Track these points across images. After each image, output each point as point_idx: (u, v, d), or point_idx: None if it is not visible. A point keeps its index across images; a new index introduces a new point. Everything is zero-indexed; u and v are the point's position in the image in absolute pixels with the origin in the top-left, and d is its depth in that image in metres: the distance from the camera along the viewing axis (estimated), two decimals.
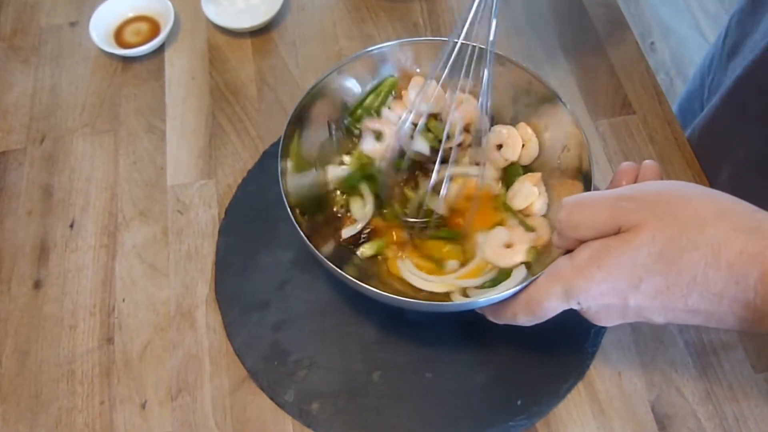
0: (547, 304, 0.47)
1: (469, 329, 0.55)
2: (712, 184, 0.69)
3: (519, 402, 0.57)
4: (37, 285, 0.63)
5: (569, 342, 0.59)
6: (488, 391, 0.57)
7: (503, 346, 0.59)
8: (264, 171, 0.68)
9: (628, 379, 0.59)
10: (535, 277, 0.48)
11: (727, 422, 0.57)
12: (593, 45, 0.80)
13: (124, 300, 0.62)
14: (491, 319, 0.52)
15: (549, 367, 0.58)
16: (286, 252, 0.64)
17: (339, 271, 0.52)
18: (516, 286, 0.49)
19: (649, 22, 1.95)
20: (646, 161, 0.51)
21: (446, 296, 0.55)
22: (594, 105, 0.75)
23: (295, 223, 0.54)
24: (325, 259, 0.52)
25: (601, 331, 0.60)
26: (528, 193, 0.58)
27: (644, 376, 0.59)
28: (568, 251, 0.47)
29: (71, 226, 0.66)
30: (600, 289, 0.44)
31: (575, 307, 0.46)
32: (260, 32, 0.79)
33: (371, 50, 0.62)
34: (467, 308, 0.53)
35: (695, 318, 0.44)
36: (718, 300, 0.42)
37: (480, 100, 0.57)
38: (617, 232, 0.44)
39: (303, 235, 0.53)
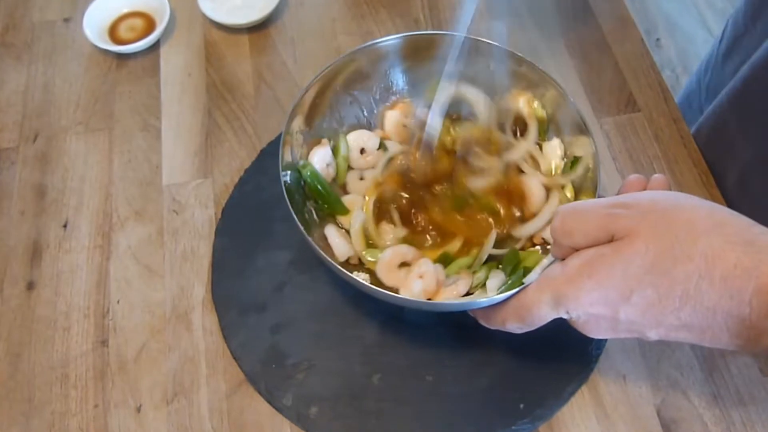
0: (536, 311, 0.47)
1: (471, 331, 0.55)
2: (719, 186, 0.69)
3: (522, 405, 0.57)
4: (30, 286, 0.63)
5: (573, 344, 0.59)
6: (490, 394, 0.57)
7: (506, 348, 0.59)
8: (261, 170, 0.68)
9: (633, 383, 0.59)
10: (526, 284, 0.48)
11: (734, 426, 0.57)
12: (597, 42, 0.80)
13: (118, 302, 0.62)
14: (482, 323, 0.53)
15: (552, 370, 0.58)
16: (284, 253, 0.64)
17: (341, 269, 0.52)
18: (512, 289, 0.49)
19: (654, 18, 1.96)
20: (655, 175, 0.51)
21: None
22: (598, 103, 0.75)
23: (297, 221, 0.54)
24: (327, 258, 0.52)
25: None
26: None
27: (649, 380, 0.59)
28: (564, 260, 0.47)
29: (65, 226, 0.66)
30: (590, 299, 0.44)
31: (564, 316, 0.46)
32: (257, 28, 0.80)
33: (371, 45, 0.63)
34: (462, 309, 0.53)
35: (689, 334, 0.43)
36: (711, 315, 0.41)
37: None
38: (611, 239, 0.44)
39: (304, 233, 0.53)
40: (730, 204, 0.68)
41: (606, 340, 0.60)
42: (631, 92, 0.76)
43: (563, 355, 0.59)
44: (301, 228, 0.54)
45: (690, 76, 0.91)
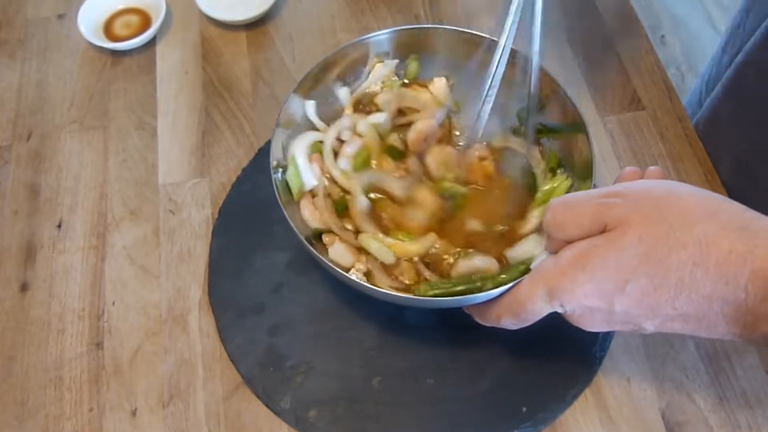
0: (531, 305, 0.47)
1: (472, 333, 0.56)
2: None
3: (524, 409, 0.57)
4: (24, 287, 0.63)
5: (576, 346, 0.59)
6: (492, 397, 0.57)
7: (507, 350, 0.59)
8: (259, 169, 0.68)
9: (638, 385, 0.59)
10: (520, 279, 0.48)
11: (740, 430, 0.57)
12: (601, 38, 0.80)
13: (113, 303, 0.62)
14: (477, 320, 0.53)
15: (555, 373, 0.58)
16: (282, 253, 0.64)
17: (339, 270, 0.52)
18: (502, 285, 0.49)
19: (659, 15, 1.95)
20: (651, 168, 0.51)
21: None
22: (602, 101, 0.75)
23: (291, 223, 0.54)
24: (324, 260, 0.53)
25: (609, 335, 0.60)
26: None
27: (654, 382, 0.59)
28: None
29: (59, 226, 0.66)
30: (584, 291, 0.44)
31: (559, 310, 0.46)
32: (255, 25, 0.80)
33: (367, 38, 0.63)
34: (458, 305, 0.53)
35: (685, 324, 0.43)
36: (707, 303, 0.41)
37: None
38: (604, 230, 0.44)
39: (300, 236, 0.53)
40: (727, 193, 0.68)
41: (610, 342, 0.60)
42: (636, 90, 0.76)
43: (566, 357, 0.59)
44: (294, 226, 0.54)
45: (700, 73, 0.92)
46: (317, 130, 0.63)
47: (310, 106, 0.62)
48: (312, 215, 0.58)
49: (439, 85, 0.65)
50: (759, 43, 0.67)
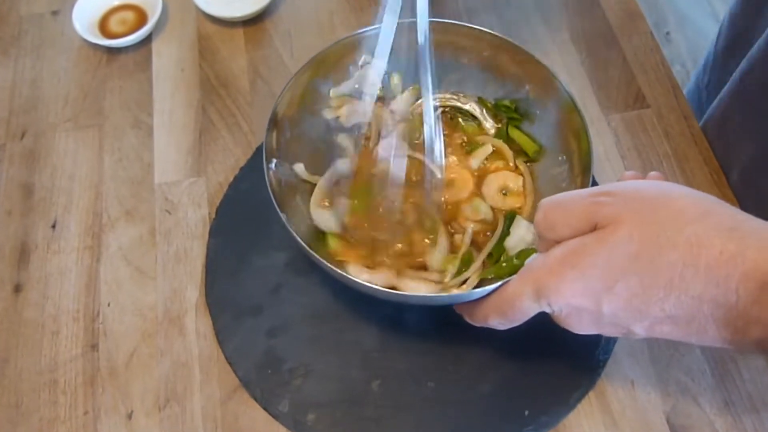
0: (518, 304, 0.47)
1: (473, 335, 0.56)
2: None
3: (526, 412, 0.57)
4: (17, 289, 0.63)
5: (579, 349, 0.59)
6: (494, 400, 0.57)
7: (509, 352, 0.59)
8: (257, 168, 0.68)
9: (642, 389, 0.59)
10: (508, 279, 0.48)
11: None
12: (605, 35, 0.80)
13: (109, 304, 0.62)
14: (467, 319, 0.53)
15: (558, 376, 0.58)
16: (280, 254, 0.64)
17: (338, 270, 0.52)
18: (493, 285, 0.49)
19: (664, 11, 1.96)
20: (652, 173, 0.51)
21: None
22: (606, 98, 0.75)
23: (287, 225, 0.54)
24: (323, 260, 0.53)
25: (612, 337, 0.60)
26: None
27: (659, 385, 0.59)
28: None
29: (53, 226, 0.66)
30: (572, 290, 0.43)
31: (546, 309, 0.46)
32: (253, 21, 0.80)
33: (363, 32, 0.63)
34: (452, 302, 0.54)
35: (674, 327, 0.43)
36: (697, 305, 0.41)
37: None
38: (594, 228, 0.44)
39: (297, 238, 0.53)
40: (736, 199, 0.68)
41: (613, 344, 0.60)
42: (640, 88, 0.76)
43: (569, 360, 0.59)
44: (293, 233, 0.54)
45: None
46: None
47: (300, 169, 0.63)
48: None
49: (402, 101, 0.66)
50: (760, 53, 0.67)
